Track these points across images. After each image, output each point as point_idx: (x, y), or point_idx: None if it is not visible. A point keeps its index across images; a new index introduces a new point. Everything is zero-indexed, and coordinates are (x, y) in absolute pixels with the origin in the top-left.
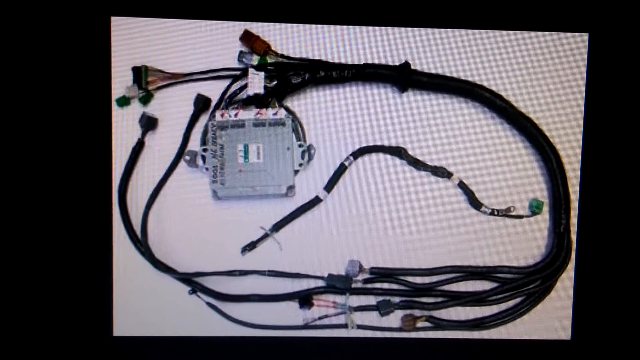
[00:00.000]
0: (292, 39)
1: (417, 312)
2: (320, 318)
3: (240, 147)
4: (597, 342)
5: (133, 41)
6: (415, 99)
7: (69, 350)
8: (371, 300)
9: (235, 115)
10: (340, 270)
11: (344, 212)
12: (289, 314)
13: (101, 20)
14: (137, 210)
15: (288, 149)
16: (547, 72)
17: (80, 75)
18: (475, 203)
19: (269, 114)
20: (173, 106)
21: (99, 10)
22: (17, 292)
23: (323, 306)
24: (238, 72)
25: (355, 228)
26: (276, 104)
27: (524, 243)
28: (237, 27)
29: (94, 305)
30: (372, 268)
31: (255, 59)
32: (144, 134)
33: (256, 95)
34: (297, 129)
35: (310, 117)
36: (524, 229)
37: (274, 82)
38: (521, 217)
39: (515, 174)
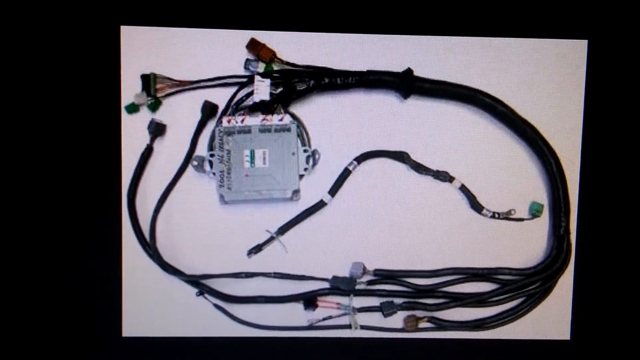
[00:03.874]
0: (297, 47)
1: (419, 313)
2: (324, 319)
3: (247, 152)
4: (596, 343)
5: (142, 49)
6: (417, 105)
7: (79, 350)
8: (374, 301)
9: (242, 121)
10: (344, 272)
11: (348, 215)
12: (294, 315)
13: (111, 29)
14: (146, 214)
15: (293, 154)
16: (547, 77)
17: (91, 83)
18: (476, 206)
19: (274, 120)
20: (181, 113)
21: (109, 20)
22: (27, 294)
23: (327, 307)
24: (244, 80)
25: (359, 231)
26: (282, 110)
27: (525, 245)
28: (244, 36)
29: (104, 307)
30: (376, 270)
31: (261, 67)
32: (152, 140)
33: (262, 101)
34: (302, 134)
35: (314, 122)
36: (525, 231)
37: (280, 89)
38: (521, 220)
39: (515, 178)
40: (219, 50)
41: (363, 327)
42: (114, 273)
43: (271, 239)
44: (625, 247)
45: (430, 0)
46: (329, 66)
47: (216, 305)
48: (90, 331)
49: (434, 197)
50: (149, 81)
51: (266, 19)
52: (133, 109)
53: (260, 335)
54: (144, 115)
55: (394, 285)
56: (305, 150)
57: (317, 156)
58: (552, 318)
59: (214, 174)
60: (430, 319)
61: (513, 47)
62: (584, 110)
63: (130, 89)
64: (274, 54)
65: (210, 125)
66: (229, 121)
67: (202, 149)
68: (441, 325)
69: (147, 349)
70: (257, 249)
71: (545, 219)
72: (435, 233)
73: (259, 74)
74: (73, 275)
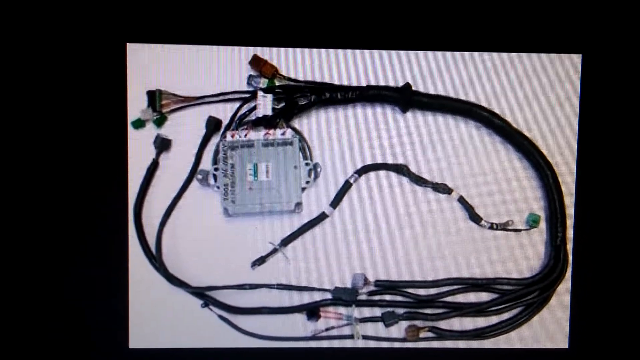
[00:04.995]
0: (298, 63)
1: (420, 323)
2: (327, 329)
3: (250, 166)
4: (594, 351)
5: (148, 66)
6: (416, 119)
7: None
8: (376, 311)
9: (245, 135)
10: (346, 283)
11: (350, 227)
12: (298, 326)
13: (117, 46)
14: (152, 227)
15: (295, 167)
16: (543, 91)
17: (98, 99)
18: (475, 217)
19: (277, 134)
20: (186, 128)
21: (116, 37)
22: (33, 307)
23: (330, 318)
24: (247, 95)
25: (361, 242)
26: (284, 125)
27: (522, 256)
28: (247, 52)
29: (110, 319)
30: (377, 281)
31: (263, 82)
32: (158, 154)
33: (265, 116)
34: (304, 148)
35: (316, 136)
36: (522, 242)
37: (282, 104)
38: (519, 230)
39: (513, 190)
40: (222, 67)
41: (365, 337)
42: (120, 285)
43: (274, 251)
44: (621, 256)
45: (427, 16)
46: (330, 81)
47: (221, 317)
48: (97, 343)
49: (433, 208)
50: (154, 97)
51: (268, 36)
52: (139, 124)
53: (264, 345)
54: (150, 131)
55: (395, 296)
56: (307, 164)
57: (318, 169)
58: (550, 327)
59: (218, 187)
60: (431, 329)
61: (509, 61)
62: (578, 122)
63: (136, 105)
64: (276, 69)
65: (215, 139)
66: (232, 136)
67: (206, 163)
68: (442, 334)
69: None
70: (261, 260)
71: (542, 229)
72: (435, 244)
73: (261, 89)
74: (80, 288)
